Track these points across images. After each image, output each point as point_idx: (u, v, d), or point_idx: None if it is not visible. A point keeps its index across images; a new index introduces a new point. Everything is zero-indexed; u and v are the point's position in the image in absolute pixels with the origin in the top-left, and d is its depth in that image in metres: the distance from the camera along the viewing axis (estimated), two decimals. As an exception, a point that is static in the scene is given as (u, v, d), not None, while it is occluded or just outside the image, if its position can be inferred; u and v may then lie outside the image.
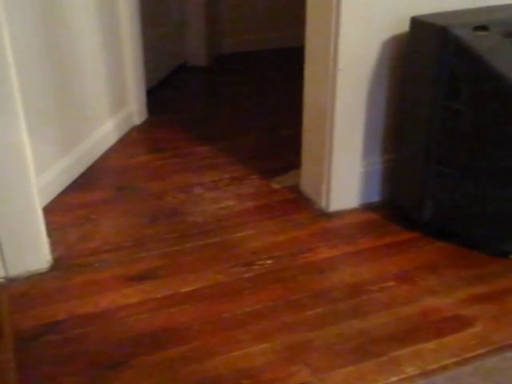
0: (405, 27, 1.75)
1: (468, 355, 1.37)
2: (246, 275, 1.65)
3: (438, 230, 1.80)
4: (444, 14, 1.71)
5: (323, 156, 1.90)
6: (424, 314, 1.50)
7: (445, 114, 1.65)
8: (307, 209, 1.97)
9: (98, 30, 2.26)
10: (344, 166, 1.90)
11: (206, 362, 1.35)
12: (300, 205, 2.00)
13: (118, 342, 1.41)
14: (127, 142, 2.50)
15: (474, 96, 1.59)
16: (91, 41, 2.22)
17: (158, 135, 2.57)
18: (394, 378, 1.31)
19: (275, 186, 2.12)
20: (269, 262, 1.70)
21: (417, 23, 1.69)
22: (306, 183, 2.05)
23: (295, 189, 2.09)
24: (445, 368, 1.34)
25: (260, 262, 1.70)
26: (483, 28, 1.60)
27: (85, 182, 2.14)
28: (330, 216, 1.93)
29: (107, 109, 2.40)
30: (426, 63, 1.67)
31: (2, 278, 1.62)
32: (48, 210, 1.88)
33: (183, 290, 1.59)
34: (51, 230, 1.78)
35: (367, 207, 1.97)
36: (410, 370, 1.33)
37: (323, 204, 1.96)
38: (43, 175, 1.92)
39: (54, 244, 1.75)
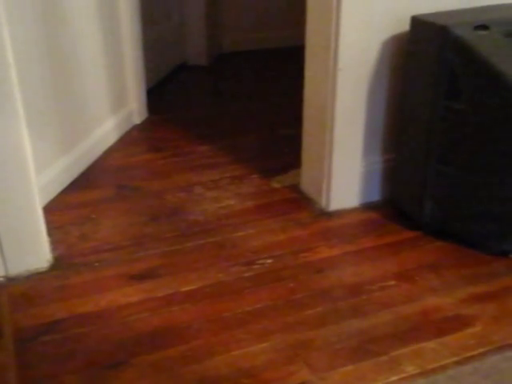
0: (405, 26, 1.75)
1: (468, 354, 1.37)
2: (247, 274, 1.65)
3: (438, 230, 1.80)
4: (444, 14, 1.71)
5: (323, 155, 1.90)
6: (424, 314, 1.50)
7: (445, 113, 1.65)
8: (307, 208, 1.97)
9: (99, 30, 2.26)
10: (344, 166, 1.90)
11: (206, 361, 1.35)
12: (300, 204, 2.00)
13: (118, 342, 1.41)
14: (127, 141, 2.50)
15: (474, 95, 1.59)
16: (91, 40, 2.22)
17: (158, 134, 2.57)
18: (394, 378, 1.31)
19: (275, 185, 2.12)
20: (269, 261, 1.70)
21: (417, 22, 1.69)
22: (307, 182, 2.05)
23: (295, 188, 2.09)
24: (445, 367, 1.33)
25: (260, 262, 1.70)
26: (484, 27, 1.60)
27: (85, 181, 2.14)
28: (330, 215, 1.93)
29: (107, 108, 2.40)
30: (426, 63, 1.67)
31: (2, 277, 1.62)
32: (48, 209, 1.89)
33: (183, 289, 1.59)
34: (51, 229, 1.79)
35: (367, 207, 1.97)
36: (411, 370, 1.33)
37: (323, 203, 1.96)
38: (43, 174, 1.92)
39: (55, 243, 1.76)
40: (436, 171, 1.72)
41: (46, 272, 1.65)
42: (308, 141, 2.00)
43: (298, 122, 2.02)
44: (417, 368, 1.33)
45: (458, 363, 1.35)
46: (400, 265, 1.69)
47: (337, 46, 1.74)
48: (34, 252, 1.64)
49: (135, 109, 2.64)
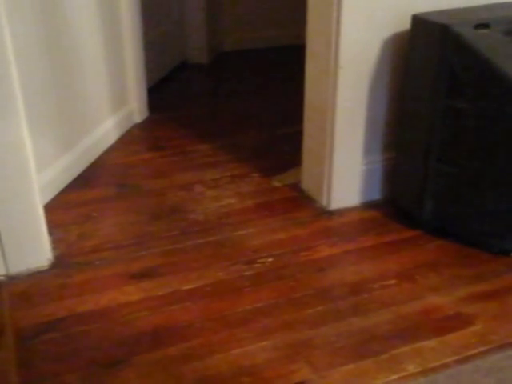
0: (406, 25, 1.75)
1: (469, 353, 1.37)
2: (247, 273, 1.65)
3: (438, 228, 1.80)
4: (445, 12, 1.71)
5: (324, 154, 1.90)
6: (425, 312, 1.50)
7: (446, 112, 1.65)
8: (308, 207, 1.97)
9: (99, 28, 2.26)
10: (345, 164, 1.90)
11: (206, 359, 1.35)
12: (301, 203, 2.00)
13: (118, 340, 1.41)
14: (128, 139, 2.50)
15: (474, 94, 1.59)
16: (92, 39, 2.22)
17: (159, 133, 2.57)
18: (394, 376, 1.31)
19: (276, 184, 2.12)
20: (270, 260, 1.70)
21: (418, 21, 1.69)
22: (307, 181, 2.05)
23: (296, 187, 2.09)
24: (446, 366, 1.33)
25: (261, 260, 1.70)
26: (484, 26, 1.60)
27: (85, 179, 2.14)
28: (330, 214, 1.93)
29: (108, 107, 2.40)
30: (426, 61, 1.67)
31: (3, 275, 1.62)
32: (49, 208, 1.89)
33: (184, 288, 1.59)
34: (52, 227, 1.79)
35: (368, 205, 1.97)
36: (411, 368, 1.33)
37: (324, 202, 1.96)
38: (44, 173, 1.92)
39: (55, 242, 1.76)
40: (436, 170, 1.72)
41: (46, 271, 1.65)
42: (309, 139, 2.00)
43: (298, 121, 2.02)
44: (417, 367, 1.33)
45: (458, 362, 1.35)
46: (400, 263, 1.69)
47: (337, 45, 1.74)
48: (35, 251, 1.64)
49: (136, 107, 2.63)
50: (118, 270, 1.65)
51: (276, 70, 3.43)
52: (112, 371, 1.32)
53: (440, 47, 1.61)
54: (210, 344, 1.40)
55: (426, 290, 1.58)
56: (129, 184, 2.12)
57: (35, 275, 1.63)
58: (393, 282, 1.61)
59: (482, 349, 1.38)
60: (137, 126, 2.63)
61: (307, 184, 2.05)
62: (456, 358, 1.36)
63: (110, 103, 2.41)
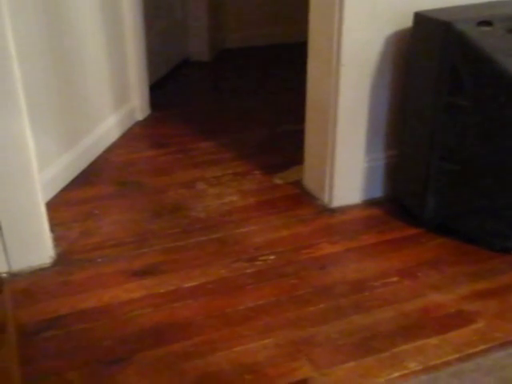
0: (408, 22, 1.75)
1: (471, 351, 1.37)
2: (249, 271, 1.65)
3: (440, 226, 1.80)
4: (448, 9, 1.70)
5: (326, 151, 1.90)
6: (426, 310, 1.50)
7: (448, 109, 1.65)
8: (310, 204, 1.97)
9: (101, 26, 2.26)
10: (347, 162, 1.90)
11: (208, 357, 1.35)
12: (303, 200, 2.00)
13: (120, 337, 1.41)
14: (130, 137, 2.50)
15: (477, 91, 1.59)
16: (94, 36, 2.22)
17: (161, 130, 2.57)
18: (396, 374, 1.31)
19: (278, 181, 2.12)
20: (271, 257, 1.70)
21: (420, 18, 1.69)
22: (309, 179, 2.05)
23: (298, 184, 2.09)
24: (447, 364, 1.33)
25: (263, 258, 1.70)
26: (487, 23, 1.59)
27: (87, 177, 2.15)
28: (332, 212, 1.93)
29: (110, 104, 2.40)
30: (429, 58, 1.66)
31: (5, 273, 1.62)
32: (51, 206, 1.89)
33: (186, 285, 1.59)
34: (54, 225, 1.79)
35: (370, 203, 1.97)
36: (413, 366, 1.33)
37: (326, 200, 1.96)
38: (46, 171, 1.92)
39: (57, 239, 1.76)
40: (439, 168, 1.72)
41: (48, 268, 1.65)
42: (311, 137, 2.00)
43: (300, 118, 2.02)
44: (419, 364, 1.33)
45: (460, 360, 1.35)
46: (402, 261, 1.69)
47: (340, 42, 1.74)
48: (37, 248, 1.65)
49: (138, 105, 2.63)
50: (119, 268, 1.66)
51: (278, 67, 3.43)
52: (114, 368, 1.32)
53: (442, 45, 1.60)
54: (212, 341, 1.40)
55: (428, 287, 1.58)
56: (131, 181, 2.12)
57: (37, 272, 1.63)
58: (394, 279, 1.61)
59: (483, 347, 1.38)
60: (139, 124, 2.63)
61: (309, 181, 2.05)
62: (457, 355, 1.36)
63: (111, 101, 2.41)
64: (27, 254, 1.63)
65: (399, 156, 1.90)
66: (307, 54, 1.91)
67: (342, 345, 1.39)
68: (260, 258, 1.70)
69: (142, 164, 2.26)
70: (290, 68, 3.29)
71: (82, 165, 2.18)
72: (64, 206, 1.94)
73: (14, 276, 1.62)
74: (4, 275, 1.61)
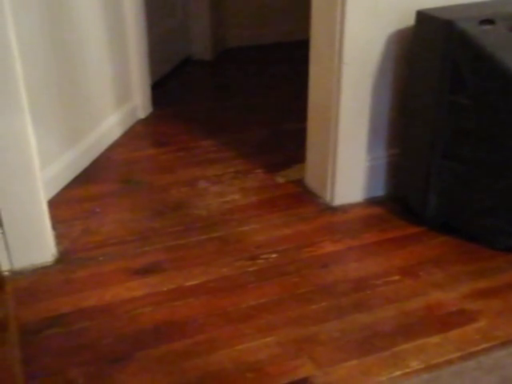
0: (410, 21, 1.75)
1: (472, 349, 1.37)
2: (251, 269, 1.65)
3: (442, 225, 1.80)
4: (450, 8, 1.70)
5: (328, 150, 1.90)
6: (428, 309, 1.50)
7: (450, 108, 1.65)
8: (312, 203, 1.97)
9: (103, 24, 2.26)
10: (349, 161, 1.90)
11: (210, 355, 1.35)
12: (304, 199, 2.00)
13: (122, 336, 1.41)
14: (132, 135, 2.50)
15: (479, 90, 1.59)
16: (96, 35, 2.22)
17: (163, 129, 2.57)
18: (398, 372, 1.31)
19: (280, 180, 2.12)
20: (273, 255, 1.70)
21: (422, 17, 1.68)
22: (311, 177, 2.05)
23: (300, 183, 2.09)
24: (449, 362, 1.34)
25: (264, 256, 1.70)
26: (489, 22, 1.59)
27: (89, 175, 2.15)
28: (334, 210, 1.93)
29: (112, 103, 2.40)
30: (431, 57, 1.66)
31: (7, 271, 1.62)
32: (53, 204, 1.89)
33: (188, 284, 1.59)
34: (56, 223, 1.79)
35: (372, 201, 1.97)
36: (415, 365, 1.33)
37: (328, 198, 1.96)
38: (48, 169, 1.92)
39: (59, 237, 1.76)
40: (441, 166, 1.72)
41: (50, 266, 1.66)
42: (312, 135, 2.00)
43: (302, 117, 2.02)
44: (421, 363, 1.33)
45: (461, 358, 1.35)
46: (404, 260, 1.69)
47: (342, 41, 1.73)
48: (39, 246, 1.65)
49: (140, 103, 2.63)
50: (121, 266, 1.66)
51: (280, 66, 3.42)
52: (115, 366, 1.32)
53: (444, 43, 1.60)
54: (214, 340, 1.40)
55: (430, 286, 1.58)
56: (132, 180, 2.12)
57: (39, 271, 1.64)
58: (396, 278, 1.61)
59: (485, 345, 1.38)
60: (140, 122, 2.63)
61: (311, 180, 2.05)
62: (459, 354, 1.36)
63: (113, 99, 2.41)
64: (29, 252, 1.63)
65: (401, 154, 1.90)
66: (309, 53, 1.91)
67: (343, 343, 1.39)
68: (262, 257, 1.70)
69: (144, 162, 2.26)
70: (292, 67, 3.29)
71: (84, 163, 2.18)
72: (66, 204, 1.94)
73: (15, 274, 1.62)
74: (6, 273, 1.62)
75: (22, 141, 1.52)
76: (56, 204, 1.92)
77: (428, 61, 1.68)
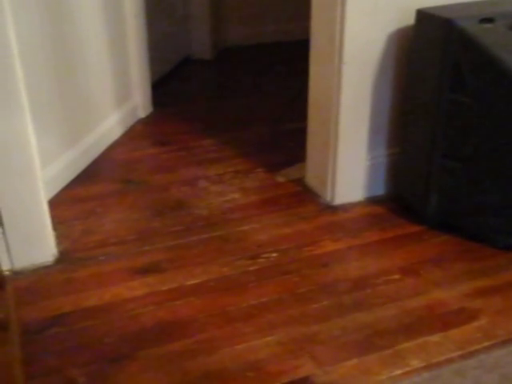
0: (410, 20, 1.75)
1: (473, 348, 1.37)
2: (252, 268, 1.65)
3: (442, 224, 1.80)
4: (450, 7, 1.70)
5: (328, 149, 1.90)
6: (429, 307, 1.50)
7: (450, 106, 1.65)
8: (312, 202, 1.97)
9: (103, 24, 2.26)
10: (349, 160, 1.90)
11: (211, 354, 1.35)
12: (305, 198, 2.00)
13: (123, 335, 1.41)
14: (132, 135, 2.50)
15: (479, 89, 1.59)
16: (96, 34, 2.22)
17: (163, 128, 2.57)
18: (398, 371, 1.31)
19: (280, 179, 2.12)
20: (274, 255, 1.70)
21: (422, 16, 1.68)
22: (311, 176, 2.05)
23: (300, 182, 2.09)
24: (450, 361, 1.34)
25: (265, 255, 1.70)
26: (489, 20, 1.59)
27: (90, 175, 2.15)
28: (335, 209, 1.93)
29: (112, 102, 2.40)
30: (431, 56, 1.66)
31: (8, 270, 1.62)
32: (53, 204, 1.89)
33: (188, 283, 1.59)
34: (56, 223, 1.79)
35: (372, 200, 1.97)
36: (415, 363, 1.33)
37: (328, 197, 1.96)
38: (48, 168, 1.92)
39: (60, 237, 1.76)
40: (441, 165, 1.72)
41: (51, 266, 1.66)
42: (313, 134, 2.00)
43: (302, 116, 2.02)
44: (421, 361, 1.33)
45: (462, 357, 1.35)
46: (405, 259, 1.69)
47: (342, 40, 1.73)
48: (40, 246, 1.65)
49: (140, 103, 2.63)
50: (122, 265, 1.66)
51: (280, 65, 3.42)
52: (116, 366, 1.33)
53: (444, 42, 1.60)
54: (215, 339, 1.40)
55: (430, 284, 1.58)
56: (133, 179, 2.12)
57: (40, 270, 1.64)
58: (397, 276, 1.61)
59: (486, 344, 1.38)
60: (141, 121, 2.63)
61: (311, 179, 2.05)
62: (460, 353, 1.36)
63: (114, 98, 2.41)
64: (30, 252, 1.63)
65: (401, 153, 1.90)
66: (309, 52, 1.91)
67: (344, 342, 1.39)
68: (262, 256, 1.70)
69: (144, 162, 2.26)
70: (292, 66, 3.28)
71: (85, 163, 2.18)
72: (66, 204, 1.94)
73: (16, 274, 1.62)
74: (7, 273, 1.62)
75: (22, 140, 1.52)
76: (56, 204, 1.92)
77: (428, 59, 1.68)
